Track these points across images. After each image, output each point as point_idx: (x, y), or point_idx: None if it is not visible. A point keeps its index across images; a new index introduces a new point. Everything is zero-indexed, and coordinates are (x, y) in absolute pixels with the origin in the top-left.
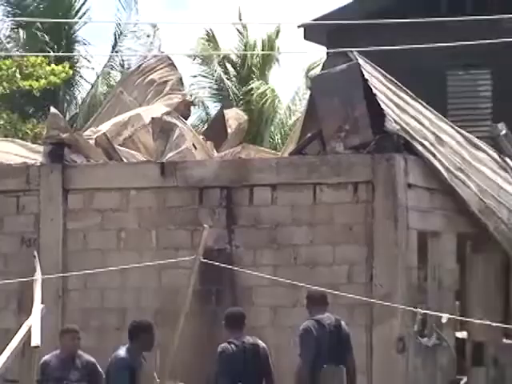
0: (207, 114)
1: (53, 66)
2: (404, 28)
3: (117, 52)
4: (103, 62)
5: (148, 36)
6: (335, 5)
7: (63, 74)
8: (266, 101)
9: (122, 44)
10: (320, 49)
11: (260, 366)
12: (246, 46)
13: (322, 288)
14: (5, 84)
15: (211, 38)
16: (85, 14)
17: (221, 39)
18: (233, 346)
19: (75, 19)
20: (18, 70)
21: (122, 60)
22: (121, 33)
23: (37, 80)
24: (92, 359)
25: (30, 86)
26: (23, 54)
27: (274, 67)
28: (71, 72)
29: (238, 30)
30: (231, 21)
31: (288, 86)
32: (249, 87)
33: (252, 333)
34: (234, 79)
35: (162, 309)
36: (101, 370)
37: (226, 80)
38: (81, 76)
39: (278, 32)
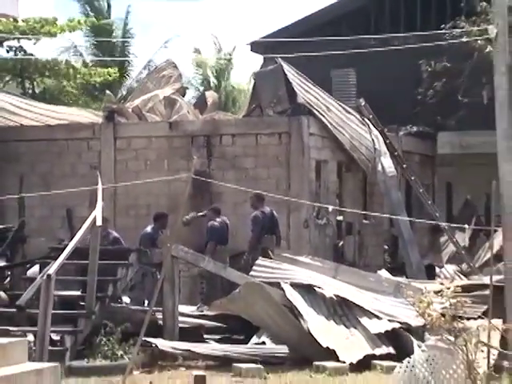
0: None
1: (108, 69)
2: (311, 44)
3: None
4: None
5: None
6: (272, 27)
7: (113, 74)
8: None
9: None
10: (259, 57)
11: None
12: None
13: (263, 192)
14: (78, 81)
15: (198, 51)
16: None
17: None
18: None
19: (126, 39)
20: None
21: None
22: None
23: (99, 77)
24: (117, 235)
25: (95, 81)
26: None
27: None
28: (119, 73)
29: (215, 44)
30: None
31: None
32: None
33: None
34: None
35: (171, 205)
36: (122, 241)
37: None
38: (127, 74)
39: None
